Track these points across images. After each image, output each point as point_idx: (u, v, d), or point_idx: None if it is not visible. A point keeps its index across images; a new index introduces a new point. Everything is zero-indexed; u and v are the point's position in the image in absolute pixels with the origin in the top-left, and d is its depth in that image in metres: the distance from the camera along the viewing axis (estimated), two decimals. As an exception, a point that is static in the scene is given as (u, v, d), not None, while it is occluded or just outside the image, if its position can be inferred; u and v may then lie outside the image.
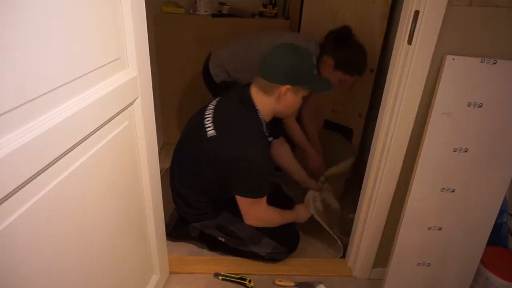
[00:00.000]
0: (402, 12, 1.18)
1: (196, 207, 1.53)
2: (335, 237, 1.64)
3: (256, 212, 1.46)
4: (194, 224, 1.60)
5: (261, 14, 2.33)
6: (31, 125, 0.66)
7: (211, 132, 1.35)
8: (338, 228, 1.74)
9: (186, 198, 1.53)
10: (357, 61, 1.66)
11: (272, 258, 1.61)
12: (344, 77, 1.65)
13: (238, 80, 1.74)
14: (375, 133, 1.38)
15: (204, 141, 1.37)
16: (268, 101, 1.33)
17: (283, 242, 1.60)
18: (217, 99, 1.47)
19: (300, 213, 1.62)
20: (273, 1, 2.34)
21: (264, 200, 1.43)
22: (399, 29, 1.21)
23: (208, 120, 1.38)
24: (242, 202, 1.42)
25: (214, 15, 2.28)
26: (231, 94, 1.43)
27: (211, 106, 1.43)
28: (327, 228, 1.62)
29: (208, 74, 1.84)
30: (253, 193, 1.39)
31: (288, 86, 1.28)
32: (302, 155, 1.89)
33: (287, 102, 1.33)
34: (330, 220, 1.70)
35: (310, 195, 1.68)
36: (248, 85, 1.38)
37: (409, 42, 1.15)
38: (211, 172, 1.39)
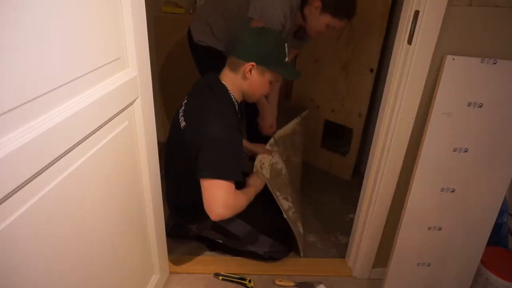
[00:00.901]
0: (402, 12, 1.18)
1: (190, 211, 1.51)
2: (282, 210, 1.55)
3: (224, 197, 1.23)
4: (190, 226, 1.60)
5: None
6: (31, 125, 0.66)
7: (183, 124, 1.36)
8: (288, 193, 1.67)
9: (180, 204, 1.52)
10: (346, 1, 1.53)
11: (271, 257, 1.61)
12: (333, 21, 1.52)
13: (216, 34, 1.70)
14: (375, 133, 1.38)
15: (181, 135, 1.36)
16: (236, 78, 1.34)
17: (280, 240, 1.60)
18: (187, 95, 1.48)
19: (255, 184, 1.48)
20: (273, 1, 2.33)
21: (232, 184, 1.25)
22: (399, 29, 1.21)
23: (181, 115, 1.39)
24: (206, 185, 1.23)
25: (214, 15, 2.27)
26: (199, 83, 1.44)
27: (183, 103, 1.44)
28: (276, 198, 1.55)
29: (190, 36, 1.80)
30: (215, 172, 1.22)
31: (253, 63, 1.28)
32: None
33: (252, 81, 1.33)
34: (280, 186, 1.63)
35: (257, 161, 1.59)
36: (216, 72, 1.40)
37: (409, 42, 1.15)
38: (193, 167, 1.31)
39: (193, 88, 1.45)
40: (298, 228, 1.68)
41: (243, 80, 1.33)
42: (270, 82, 1.37)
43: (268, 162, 1.62)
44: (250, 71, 1.30)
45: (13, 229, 0.64)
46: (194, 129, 1.30)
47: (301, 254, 1.67)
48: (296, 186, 1.88)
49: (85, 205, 0.86)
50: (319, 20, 1.54)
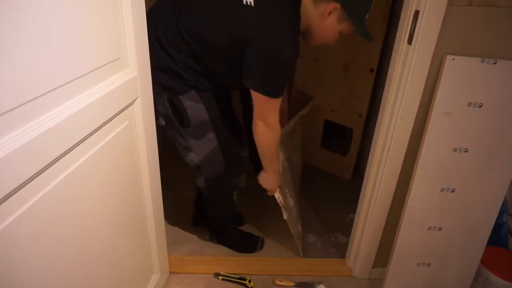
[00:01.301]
0: (402, 12, 1.19)
1: (174, 74, 1.32)
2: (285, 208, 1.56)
3: (268, 118, 1.30)
4: (157, 99, 1.32)
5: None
6: (31, 125, 0.66)
7: (250, 2, 1.20)
8: (293, 191, 1.69)
9: (175, 61, 1.30)
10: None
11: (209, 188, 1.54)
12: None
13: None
14: (375, 133, 1.38)
15: (235, 7, 1.21)
16: (312, 12, 1.25)
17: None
18: None
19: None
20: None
21: (278, 102, 1.30)
22: (399, 29, 1.21)
23: None
24: (256, 99, 1.28)
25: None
26: None
27: None
28: (283, 195, 1.56)
29: None
30: (265, 87, 1.24)
31: (337, 5, 1.20)
32: None
33: (326, 24, 1.25)
34: (288, 183, 1.65)
35: None
36: None
37: (409, 42, 1.15)
38: (228, 46, 1.25)
39: None
40: (298, 228, 1.68)
41: (318, 18, 1.25)
42: (340, 33, 1.30)
43: (284, 155, 1.62)
44: (330, 12, 1.22)
45: (13, 229, 0.64)
46: (262, 18, 1.19)
47: (301, 254, 1.67)
48: (297, 186, 1.89)
49: (85, 205, 0.86)
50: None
